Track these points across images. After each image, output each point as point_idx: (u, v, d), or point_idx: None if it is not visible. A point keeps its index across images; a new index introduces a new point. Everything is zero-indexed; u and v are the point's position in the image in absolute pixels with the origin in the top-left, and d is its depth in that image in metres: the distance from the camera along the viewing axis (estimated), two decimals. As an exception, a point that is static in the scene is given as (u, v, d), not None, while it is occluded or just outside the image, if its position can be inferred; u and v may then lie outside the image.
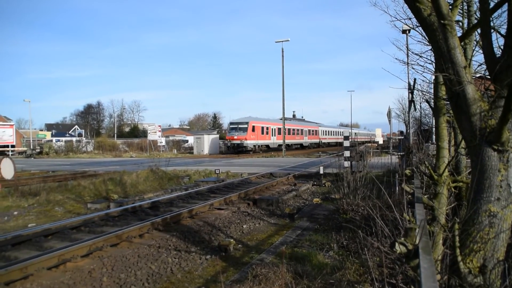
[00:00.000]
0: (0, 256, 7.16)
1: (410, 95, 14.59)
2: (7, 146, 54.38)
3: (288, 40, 40.09)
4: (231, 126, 50.07)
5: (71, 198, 13.71)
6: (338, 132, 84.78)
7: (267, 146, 52.24)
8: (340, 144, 75.99)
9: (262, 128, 50.93)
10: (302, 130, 64.44)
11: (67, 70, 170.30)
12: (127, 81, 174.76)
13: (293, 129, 60.82)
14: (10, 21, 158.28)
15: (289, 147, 55.98)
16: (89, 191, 14.93)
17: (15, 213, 11.45)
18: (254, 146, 48.15)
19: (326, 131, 76.87)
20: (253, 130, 47.98)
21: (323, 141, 73.64)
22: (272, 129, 53.80)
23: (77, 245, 7.14)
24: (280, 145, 52.66)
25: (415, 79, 12.13)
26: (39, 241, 8.07)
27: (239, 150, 46.29)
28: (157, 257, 7.14)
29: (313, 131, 69.62)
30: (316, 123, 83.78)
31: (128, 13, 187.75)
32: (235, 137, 46.74)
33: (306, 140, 64.93)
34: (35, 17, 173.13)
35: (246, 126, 47.42)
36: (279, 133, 53.59)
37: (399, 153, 18.17)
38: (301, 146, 63.56)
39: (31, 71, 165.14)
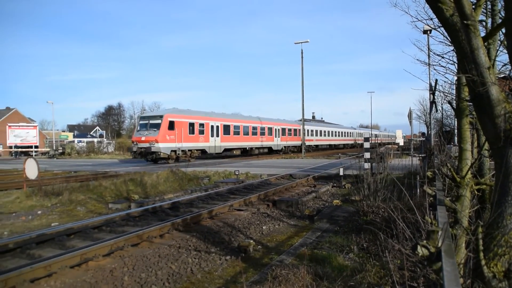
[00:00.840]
0: (25, 254, 7.33)
1: (432, 96, 14.42)
2: (31, 147, 55.70)
3: (307, 42, 39.79)
4: (140, 122, 34.10)
5: (92, 198, 13.91)
6: (336, 132, 67.04)
7: (202, 151, 36.07)
8: (337, 147, 66.90)
9: (191, 125, 34.49)
10: (271, 128, 47.35)
11: (87, 72, 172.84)
12: (147, 82, 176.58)
13: (252, 127, 43.42)
14: (30, 24, 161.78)
15: (245, 152, 43.14)
16: (110, 191, 15.12)
17: (39, 212, 11.67)
18: (174, 151, 32.31)
19: (314, 131, 58.60)
20: (172, 127, 32.14)
21: (309, 143, 55.00)
22: (212, 126, 37.25)
23: (99, 245, 7.25)
24: (228, 149, 40.20)
25: (436, 80, 12.02)
26: (62, 240, 8.21)
27: (149, 158, 31.73)
28: (177, 257, 7.19)
29: (290, 130, 51.76)
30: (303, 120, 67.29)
31: (146, 15, 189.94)
32: (143, 139, 31.38)
33: (277, 142, 48.51)
34: (54, 19, 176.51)
35: (159, 121, 31.80)
36: (227, 132, 39.47)
37: (420, 155, 17.95)
38: (270, 150, 47.27)
39: (52, 73, 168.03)
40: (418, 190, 9.76)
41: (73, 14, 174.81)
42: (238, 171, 20.44)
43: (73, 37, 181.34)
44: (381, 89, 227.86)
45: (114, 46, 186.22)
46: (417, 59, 11.26)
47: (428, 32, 16.98)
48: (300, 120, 46.71)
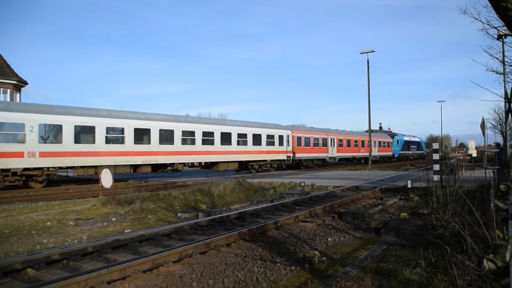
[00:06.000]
0: (101, 257, 7.80)
1: (507, 105, 13.72)
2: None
3: (373, 51, 39.04)
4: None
5: (162, 207, 14.43)
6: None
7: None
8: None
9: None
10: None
11: (158, 86, 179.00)
12: (213, 95, 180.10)
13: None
14: (110, 45, 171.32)
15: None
16: (179, 200, 15.60)
17: (113, 219, 12.32)
18: None
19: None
20: None
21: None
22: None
23: (169, 251, 7.56)
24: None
25: (512, 88, 11.40)
26: (134, 246, 8.64)
27: None
28: (243, 266, 7.33)
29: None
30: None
31: (213, 30, 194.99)
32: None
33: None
34: (131, 39, 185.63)
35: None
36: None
37: (493, 167, 17.04)
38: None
39: (126, 88, 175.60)
40: (492, 204, 9.30)
41: (146, 32, 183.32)
42: (304, 182, 20.41)
43: (146, 54, 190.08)
44: (453, 97, 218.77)
45: (183, 61, 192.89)
46: (487, 68, 10.69)
47: (503, 37, 16.20)
48: (367, 131, 45.78)
